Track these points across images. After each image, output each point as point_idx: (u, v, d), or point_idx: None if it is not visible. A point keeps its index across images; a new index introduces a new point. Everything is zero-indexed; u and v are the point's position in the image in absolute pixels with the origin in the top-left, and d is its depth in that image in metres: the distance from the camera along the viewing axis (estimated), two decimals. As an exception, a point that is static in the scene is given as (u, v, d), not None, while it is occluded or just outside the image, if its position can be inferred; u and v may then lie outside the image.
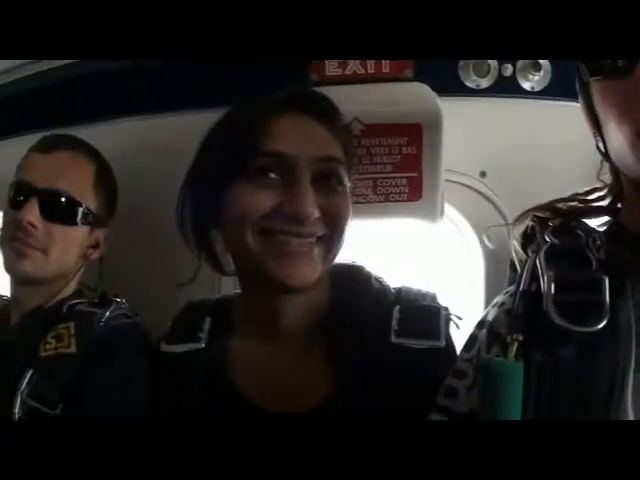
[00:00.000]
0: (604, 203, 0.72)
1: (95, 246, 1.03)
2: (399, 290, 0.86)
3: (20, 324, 0.98)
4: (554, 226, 0.68)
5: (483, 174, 1.11)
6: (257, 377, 0.81)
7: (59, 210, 0.95)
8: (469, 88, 1.08)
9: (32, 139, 1.02)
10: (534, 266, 0.64)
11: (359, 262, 0.89)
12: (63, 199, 0.95)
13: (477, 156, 1.10)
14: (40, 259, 0.94)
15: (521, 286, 0.64)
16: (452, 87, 1.07)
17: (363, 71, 1.01)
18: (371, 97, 0.98)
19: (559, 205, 0.73)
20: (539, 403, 0.58)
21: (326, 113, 0.79)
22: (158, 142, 1.11)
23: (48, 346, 0.89)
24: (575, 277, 0.61)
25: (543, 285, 0.61)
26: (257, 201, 0.73)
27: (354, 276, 0.87)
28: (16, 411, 0.84)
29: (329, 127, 0.78)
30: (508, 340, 0.60)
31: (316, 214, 0.73)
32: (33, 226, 0.93)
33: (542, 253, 0.64)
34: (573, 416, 0.58)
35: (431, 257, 1.12)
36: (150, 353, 0.89)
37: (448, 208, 1.09)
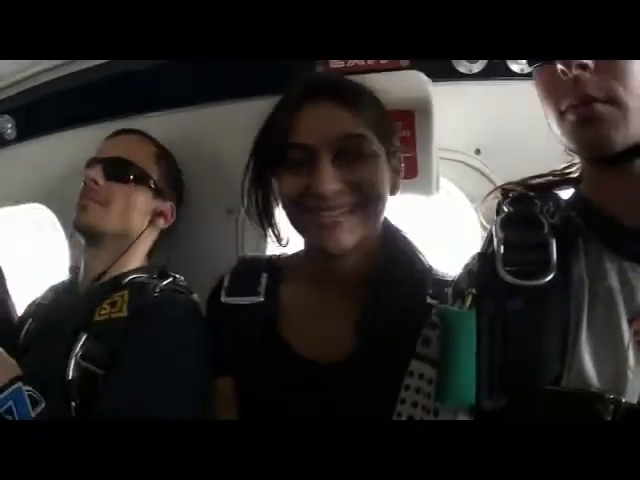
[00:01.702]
0: (573, 176, 0.79)
1: (161, 215, 1.15)
2: (431, 265, 0.97)
3: (85, 291, 1.07)
4: (512, 197, 0.77)
5: (478, 151, 1.21)
6: (303, 328, 0.92)
7: (119, 171, 1.09)
8: (462, 73, 1.18)
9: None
10: (492, 232, 0.74)
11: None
12: (123, 163, 1.10)
13: (472, 135, 1.20)
14: (100, 211, 1.07)
15: (480, 249, 0.75)
16: (446, 73, 1.17)
17: (363, 62, 1.12)
18: (370, 86, 1.09)
19: (532, 181, 0.81)
20: (492, 349, 0.66)
21: (344, 94, 0.88)
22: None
23: (103, 311, 0.97)
24: (524, 239, 0.70)
25: (495, 247, 0.71)
26: (292, 186, 0.87)
27: (400, 244, 0.97)
28: (70, 372, 0.92)
29: (348, 106, 0.87)
30: (465, 293, 0.70)
31: (338, 188, 0.84)
32: (96, 183, 1.08)
33: (498, 220, 0.74)
34: (526, 362, 0.65)
35: (433, 229, 1.23)
36: (202, 319, 0.98)
37: (447, 183, 1.20)
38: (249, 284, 0.95)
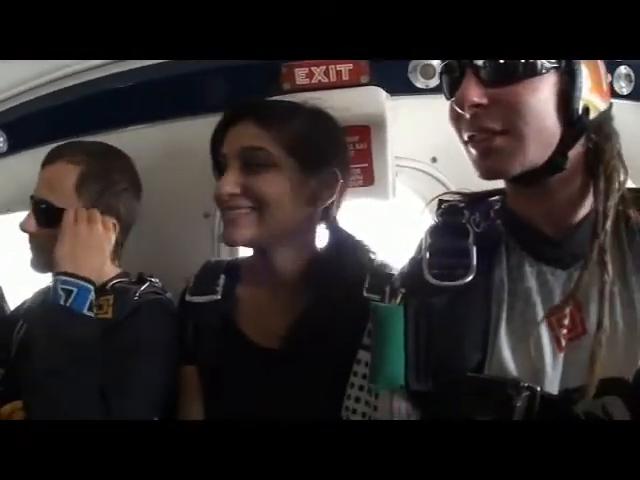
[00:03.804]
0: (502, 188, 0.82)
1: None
2: (373, 259, 1.08)
3: None
4: (443, 208, 0.85)
5: (434, 160, 1.31)
6: (256, 319, 1.05)
7: (45, 215, 1.13)
8: (419, 88, 1.28)
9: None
10: (422, 239, 0.83)
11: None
12: (47, 206, 1.12)
13: (428, 145, 1.31)
14: (49, 254, 1.08)
15: (413, 254, 0.85)
16: (404, 88, 1.27)
17: (327, 79, 1.22)
18: (330, 103, 1.18)
19: (466, 190, 0.88)
20: (418, 340, 0.74)
21: (260, 114, 1.01)
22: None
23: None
24: (449, 245, 0.79)
25: (423, 253, 0.80)
26: (217, 187, 1.01)
27: (339, 242, 1.08)
28: None
29: (260, 124, 1.00)
30: (397, 292, 0.79)
31: (236, 191, 0.97)
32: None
33: (427, 229, 0.83)
34: (449, 351, 0.72)
35: (391, 232, 1.33)
36: (174, 316, 1.10)
37: (405, 190, 1.30)
38: (209, 284, 1.08)
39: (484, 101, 0.68)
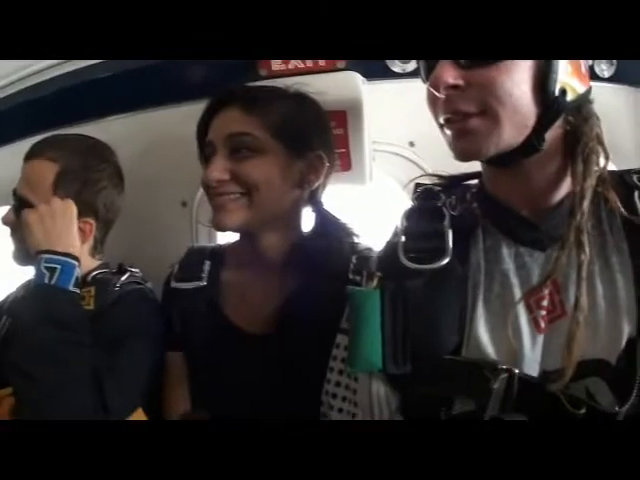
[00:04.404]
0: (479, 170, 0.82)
1: (81, 232, 1.13)
2: (358, 243, 1.09)
3: None
4: (419, 192, 0.85)
5: (412, 144, 1.32)
6: (242, 304, 1.05)
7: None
8: (396, 72, 1.28)
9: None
10: (398, 223, 0.83)
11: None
12: (25, 203, 1.12)
13: (406, 129, 1.31)
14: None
15: (389, 238, 0.85)
16: (381, 73, 1.27)
17: (303, 65, 1.22)
18: (307, 89, 1.18)
19: (443, 174, 0.89)
20: (395, 323, 0.74)
21: (245, 100, 1.02)
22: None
23: None
24: (424, 229, 0.79)
25: (399, 237, 0.80)
26: (202, 175, 1.01)
27: (323, 225, 1.09)
28: None
29: (245, 110, 1.00)
30: (374, 276, 0.79)
31: (224, 178, 0.98)
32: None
33: (403, 213, 0.84)
34: (426, 334, 0.72)
35: (369, 217, 1.33)
36: (156, 304, 1.11)
37: (382, 175, 1.31)
38: (194, 271, 1.08)
39: (460, 82, 0.68)
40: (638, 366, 0.64)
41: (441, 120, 0.72)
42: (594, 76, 1.31)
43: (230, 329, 1.03)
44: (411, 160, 1.31)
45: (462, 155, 0.72)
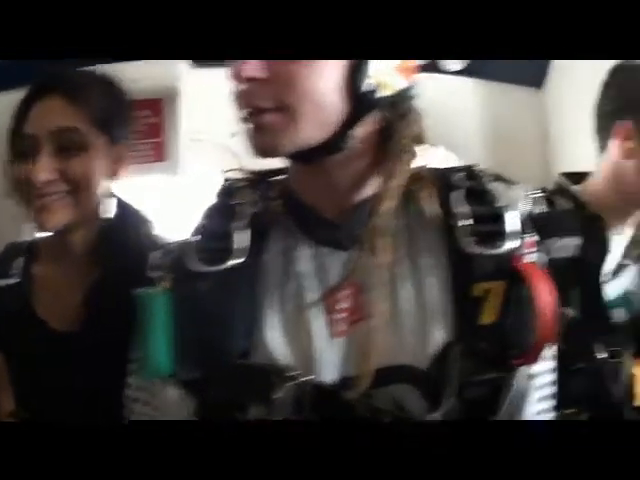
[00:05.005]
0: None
1: None
2: (158, 237, 1.00)
3: None
4: (221, 188, 0.78)
5: (234, 135, 1.10)
6: (52, 302, 0.99)
7: None
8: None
9: None
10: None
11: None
12: None
13: (228, 119, 1.09)
14: None
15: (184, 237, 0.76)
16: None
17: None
18: (123, 75, 1.05)
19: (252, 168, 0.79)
20: (183, 327, 0.68)
21: (68, 88, 0.95)
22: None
23: None
24: (214, 229, 0.72)
25: (192, 236, 0.72)
26: (26, 172, 0.91)
27: (125, 220, 1.03)
28: None
29: (70, 100, 0.93)
30: (164, 277, 0.71)
31: (51, 177, 0.92)
32: None
33: (204, 211, 0.75)
34: (215, 338, 0.68)
35: (181, 210, 1.25)
36: None
37: (200, 166, 1.19)
38: (7, 268, 1.06)
39: (260, 75, 0.63)
40: (452, 370, 0.63)
41: (242, 115, 0.67)
42: (439, 69, 1.24)
43: (41, 327, 1.00)
44: (232, 152, 1.12)
45: (259, 151, 0.67)
